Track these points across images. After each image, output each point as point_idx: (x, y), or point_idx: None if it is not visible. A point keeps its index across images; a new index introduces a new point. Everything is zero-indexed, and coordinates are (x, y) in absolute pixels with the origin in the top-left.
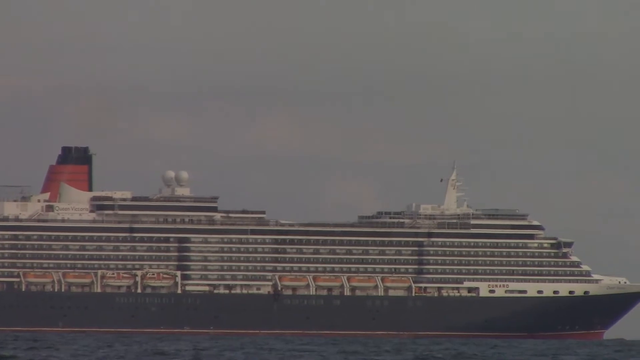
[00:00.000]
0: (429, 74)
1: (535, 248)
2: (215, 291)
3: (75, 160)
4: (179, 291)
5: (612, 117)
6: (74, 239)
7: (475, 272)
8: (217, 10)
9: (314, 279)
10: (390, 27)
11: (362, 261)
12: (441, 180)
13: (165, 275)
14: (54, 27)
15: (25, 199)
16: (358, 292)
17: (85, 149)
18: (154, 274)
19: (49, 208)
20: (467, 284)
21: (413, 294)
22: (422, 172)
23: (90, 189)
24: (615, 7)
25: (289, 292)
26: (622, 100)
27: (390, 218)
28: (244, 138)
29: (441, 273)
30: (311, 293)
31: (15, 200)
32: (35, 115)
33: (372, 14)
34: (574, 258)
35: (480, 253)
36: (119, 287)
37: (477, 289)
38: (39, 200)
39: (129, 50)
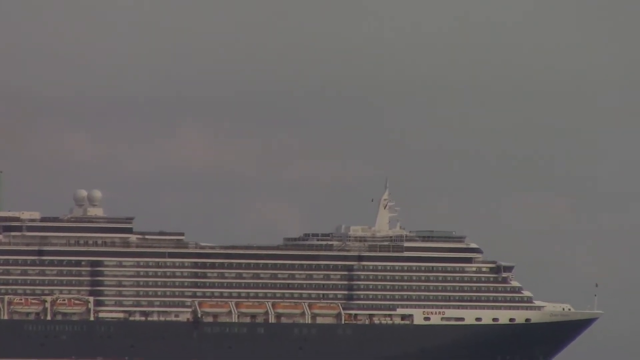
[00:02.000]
0: (361, 85)
1: (474, 272)
2: (131, 318)
3: None
4: (92, 318)
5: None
6: None
7: (409, 298)
8: (124, 15)
9: (237, 305)
10: (317, 37)
11: (288, 286)
12: (372, 200)
13: (77, 301)
14: None
15: None
16: (284, 319)
17: None
18: (64, 300)
19: None
20: (400, 310)
21: (343, 322)
22: (350, 191)
23: None
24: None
25: (209, 319)
26: (560, 117)
27: (318, 240)
28: (158, 154)
29: (372, 299)
30: (233, 320)
31: None
32: None
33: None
34: (514, 283)
35: (414, 278)
36: (27, 313)
37: (411, 316)
38: None
39: (28, 57)
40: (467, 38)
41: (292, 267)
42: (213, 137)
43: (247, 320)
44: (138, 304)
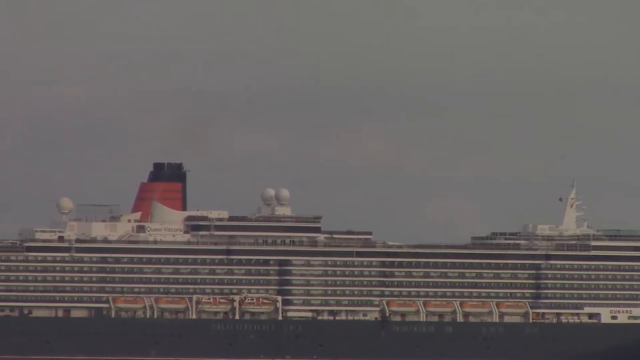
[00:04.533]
0: (545, 81)
1: None
2: (319, 317)
3: (168, 177)
4: (280, 317)
5: None
6: (167, 261)
7: (597, 297)
8: (308, 20)
9: (424, 304)
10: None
11: (475, 285)
12: (560, 199)
13: (265, 301)
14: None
15: (114, 219)
16: (471, 318)
17: (179, 165)
18: (252, 299)
19: (140, 229)
20: (587, 309)
21: (530, 320)
22: (537, 189)
23: (184, 208)
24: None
25: (397, 318)
26: None
27: (506, 239)
28: (344, 153)
29: (560, 298)
30: (421, 319)
31: (103, 221)
32: (120, 127)
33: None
34: None
35: (601, 276)
36: (215, 313)
37: (598, 314)
38: (129, 221)
39: (207, 58)
40: None
41: (479, 266)
42: (395, 135)
43: (435, 319)
44: (326, 303)
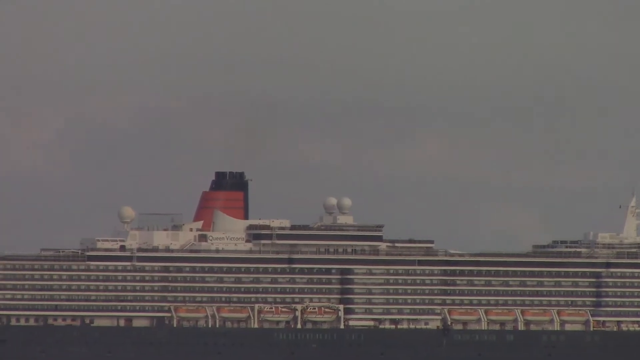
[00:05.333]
0: (600, 87)
1: None
2: (381, 326)
3: (230, 186)
4: (342, 326)
5: None
6: (229, 270)
7: None
8: (359, 26)
9: (486, 312)
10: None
11: (536, 293)
12: (620, 207)
13: (327, 310)
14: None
15: (176, 227)
16: (532, 327)
17: (241, 174)
18: (314, 308)
19: (202, 237)
20: None
21: (591, 329)
22: (597, 198)
23: (246, 217)
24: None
25: (459, 326)
26: None
27: (566, 247)
28: (404, 161)
29: (621, 306)
30: (483, 328)
31: (165, 230)
32: (183, 136)
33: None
34: None
35: None
36: (277, 322)
37: None
38: (191, 229)
39: (270, 66)
40: None
41: (540, 274)
42: (457, 143)
43: (496, 327)
44: (387, 312)
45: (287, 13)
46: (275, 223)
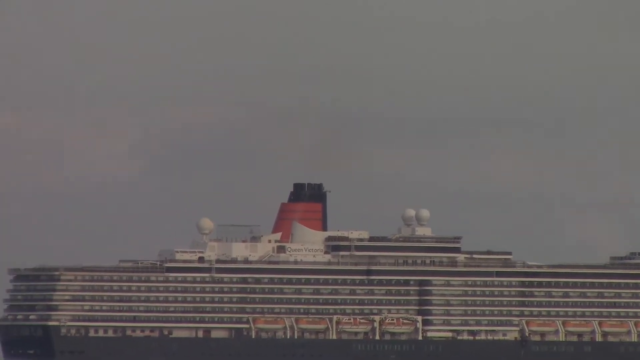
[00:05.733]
0: None
1: None
2: (459, 337)
3: (309, 197)
4: (420, 338)
5: None
6: (308, 282)
7: None
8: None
9: (564, 324)
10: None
11: (614, 305)
12: None
13: (405, 321)
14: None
15: (255, 239)
16: (610, 338)
17: (319, 186)
18: (393, 320)
19: (281, 249)
20: None
21: None
22: None
23: (324, 229)
24: None
25: (537, 338)
26: None
27: None
28: (479, 174)
29: None
30: (560, 339)
31: (244, 241)
32: (261, 148)
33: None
34: None
35: None
36: (356, 333)
37: None
38: (269, 241)
39: (349, 78)
40: None
41: (618, 285)
42: (534, 156)
43: (574, 338)
44: (466, 323)
45: (374, 26)
46: (354, 234)
